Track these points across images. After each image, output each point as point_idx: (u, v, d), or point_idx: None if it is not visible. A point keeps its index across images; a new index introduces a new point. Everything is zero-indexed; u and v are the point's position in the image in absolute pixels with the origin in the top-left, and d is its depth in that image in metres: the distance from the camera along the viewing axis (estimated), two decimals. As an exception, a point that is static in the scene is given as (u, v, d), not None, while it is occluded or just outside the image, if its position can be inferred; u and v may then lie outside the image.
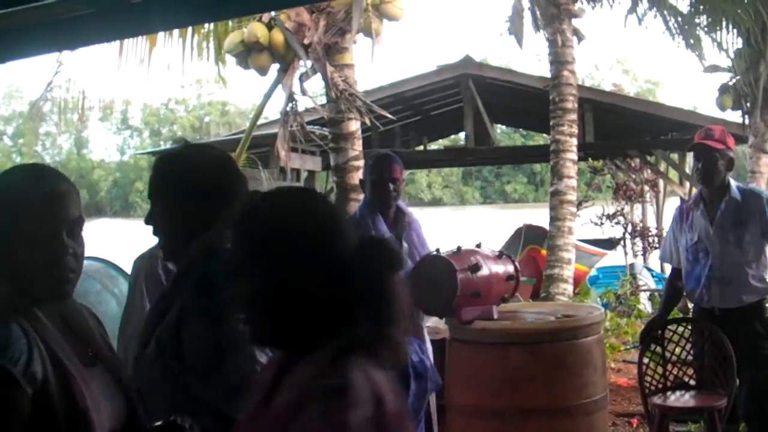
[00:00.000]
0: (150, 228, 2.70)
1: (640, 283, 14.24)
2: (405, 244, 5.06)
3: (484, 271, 4.82)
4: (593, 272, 15.90)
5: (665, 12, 12.92)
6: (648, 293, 13.92)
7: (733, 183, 5.42)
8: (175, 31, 8.57)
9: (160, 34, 8.52)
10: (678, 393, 5.52)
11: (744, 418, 5.36)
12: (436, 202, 69.80)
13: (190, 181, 2.64)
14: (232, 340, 2.38)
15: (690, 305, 6.76)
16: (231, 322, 2.26)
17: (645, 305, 13.11)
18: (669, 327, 5.66)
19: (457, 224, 25.59)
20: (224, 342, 2.43)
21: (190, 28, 8.60)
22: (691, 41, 12.92)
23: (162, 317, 2.58)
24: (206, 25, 8.77)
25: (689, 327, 5.62)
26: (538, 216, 17.67)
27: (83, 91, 8.84)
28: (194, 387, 2.48)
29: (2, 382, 1.97)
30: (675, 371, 5.57)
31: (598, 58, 76.95)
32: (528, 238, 16.22)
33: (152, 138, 78.46)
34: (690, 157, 12.74)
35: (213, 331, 2.44)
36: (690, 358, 5.61)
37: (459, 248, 4.92)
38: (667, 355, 5.56)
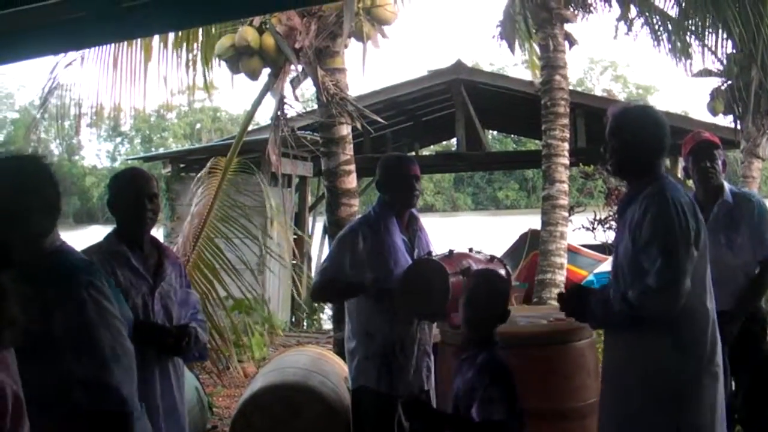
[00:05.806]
0: None
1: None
2: (416, 249, 5.03)
3: (476, 275, 4.76)
4: (589, 277, 15.77)
5: (654, 17, 12.88)
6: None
7: (726, 186, 5.42)
8: (170, 43, 8.53)
9: (155, 47, 8.49)
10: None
11: (740, 421, 5.32)
12: (427, 208, 69.58)
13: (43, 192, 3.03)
14: (101, 317, 2.92)
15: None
16: (97, 303, 2.91)
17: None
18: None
19: (449, 231, 25.50)
20: (94, 319, 2.90)
21: (184, 40, 8.57)
22: (680, 46, 12.87)
23: None
24: (200, 35, 8.73)
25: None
26: (530, 222, 17.64)
27: (76, 99, 8.82)
28: (67, 363, 2.84)
29: None
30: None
31: (589, 63, 76.56)
32: (533, 243, 16.09)
33: (143, 145, 78.13)
34: (681, 162, 12.72)
35: (83, 310, 2.89)
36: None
37: (451, 252, 4.87)
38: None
